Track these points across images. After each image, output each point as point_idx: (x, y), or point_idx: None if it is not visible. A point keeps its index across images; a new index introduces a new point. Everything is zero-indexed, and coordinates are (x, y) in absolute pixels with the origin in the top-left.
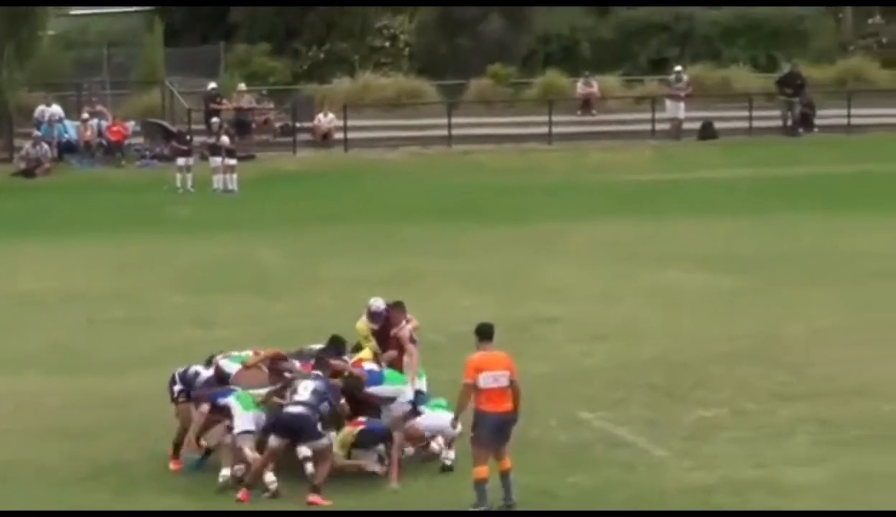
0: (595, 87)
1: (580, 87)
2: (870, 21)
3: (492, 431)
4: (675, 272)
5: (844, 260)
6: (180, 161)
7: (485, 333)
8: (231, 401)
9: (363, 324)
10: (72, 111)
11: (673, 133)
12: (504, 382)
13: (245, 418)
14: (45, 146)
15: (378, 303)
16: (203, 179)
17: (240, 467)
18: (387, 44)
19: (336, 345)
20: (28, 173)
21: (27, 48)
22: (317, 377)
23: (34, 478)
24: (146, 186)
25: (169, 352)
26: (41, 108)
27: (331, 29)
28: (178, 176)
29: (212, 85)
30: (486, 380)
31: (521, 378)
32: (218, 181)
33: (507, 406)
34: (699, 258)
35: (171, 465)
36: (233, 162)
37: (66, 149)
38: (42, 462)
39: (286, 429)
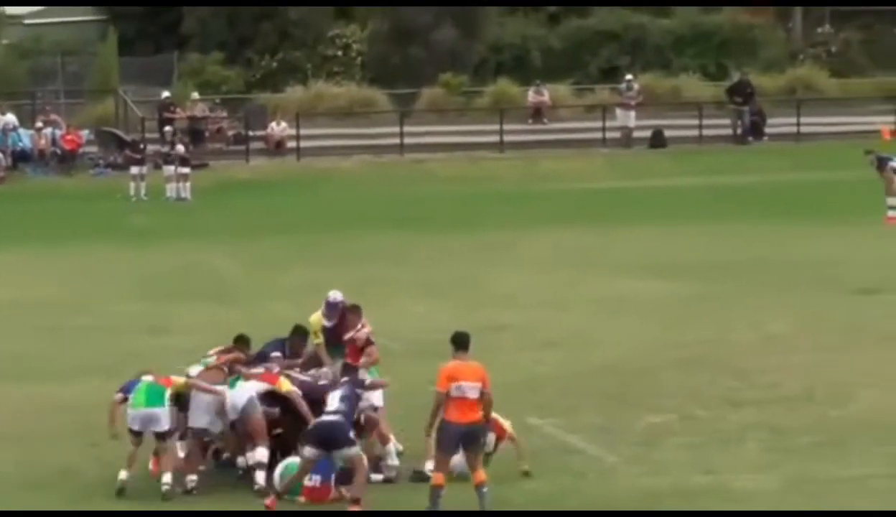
0: (546, 96)
1: (531, 96)
2: (819, 30)
3: (454, 440)
4: (626, 280)
5: (794, 267)
6: (134, 170)
7: (460, 343)
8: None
9: (317, 317)
10: (26, 120)
11: (623, 141)
12: (474, 394)
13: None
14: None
15: (336, 295)
16: (157, 188)
17: (192, 478)
18: (339, 53)
19: (300, 335)
20: None
21: None
22: (344, 384)
23: None
24: (100, 195)
25: (125, 360)
26: None
27: (283, 38)
28: (132, 184)
29: (165, 94)
30: (456, 389)
31: None
32: (171, 190)
33: (475, 416)
34: (650, 266)
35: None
36: (186, 170)
37: (21, 157)
38: None
39: (321, 438)
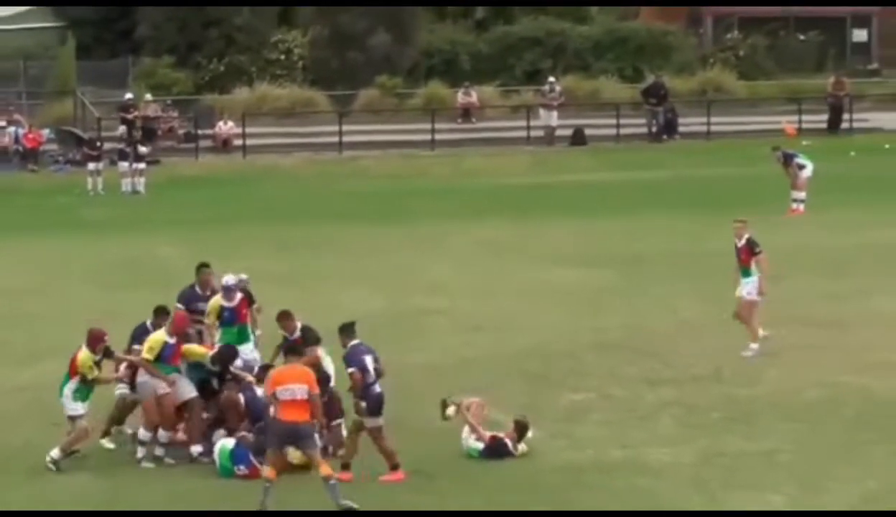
0: (474, 97)
1: (460, 97)
2: (728, 36)
3: (281, 438)
4: (548, 269)
5: (705, 256)
6: (91, 166)
7: (293, 350)
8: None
9: (216, 301)
10: None
11: (546, 140)
12: (302, 395)
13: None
14: None
15: (229, 279)
16: (112, 183)
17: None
18: (282, 57)
19: (162, 315)
20: None
21: None
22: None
23: None
24: (59, 189)
25: (79, 344)
26: None
27: (230, 43)
28: (90, 180)
29: (128, 95)
30: (283, 392)
31: (403, 368)
32: (126, 184)
33: (302, 416)
34: (571, 256)
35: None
36: (142, 166)
37: None
38: None
39: (382, 405)
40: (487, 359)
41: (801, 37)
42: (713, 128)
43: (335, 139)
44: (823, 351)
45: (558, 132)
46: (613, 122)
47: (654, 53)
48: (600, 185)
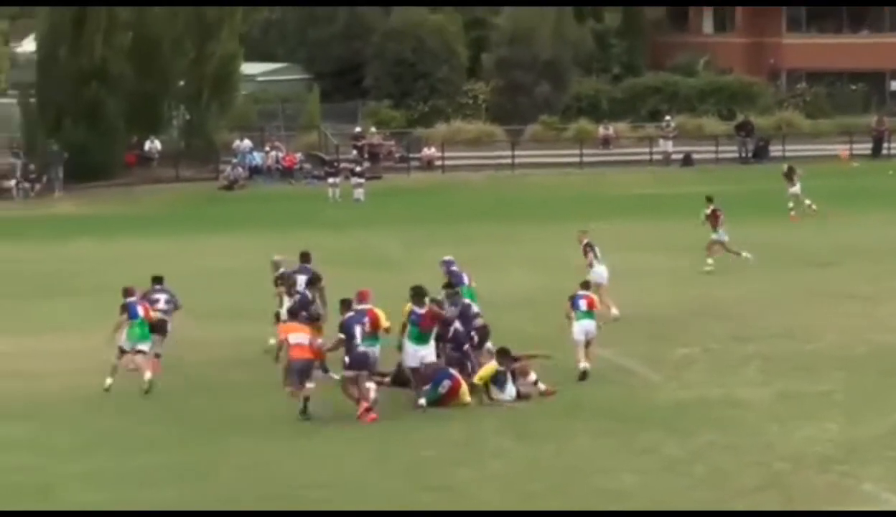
0: (611, 131)
1: (601, 131)
2: (798, 86)
3: (295, 372)
4: (662, 255)
5: (763, 250)
6: (331, 180)
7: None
8: None
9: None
10: (258, 145)
11: (664, 162)
12: (305, 341)
13: None
14: (240, 169)
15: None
16: (346, 193)
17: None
18: (470, 101)
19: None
20: (228, 188)
21: (227, 104)
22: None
23: None
24: (308, 197)
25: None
26: (237, 142)
27: (433, 91)
28: (330, 190)
29: (358, 129)
30: (293, 337)
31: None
32: (357, 194)
33: (306, 355)
34: (679, 245)
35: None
36: (362, 180)
37: (254, 171)
38: None
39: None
40: (620, 323)
41: (853, 87)
42: (787, 154)
43: (509, 161)
44: (867, 318)
45: (673, 156)
46: (713, 149)
47: (743, 99)
48: (703, 194)
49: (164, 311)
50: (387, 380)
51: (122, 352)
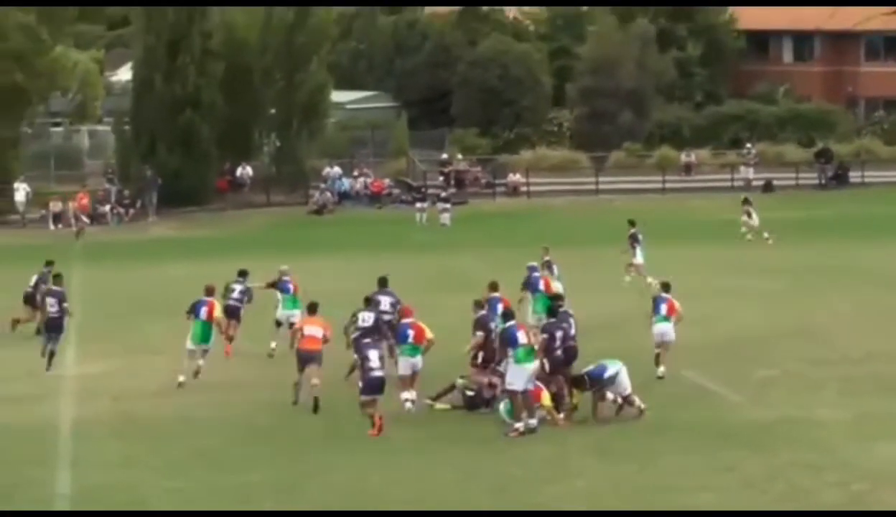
0: (693, 158)
1: (683, 157)
2: (875, 114)
3: (303, 360)
4: (745, 277)
5: (852, 269)
6: (418, 205)
7: (311, 308)
8: None
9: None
10: (347, 171)
11: (745, 188)
12: (318, 333)
13: None
14: (329, 194)
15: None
16: (432, 217)
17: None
18: (555, 128)
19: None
20: (318, 212)
21: (317, 131)
22: None
23: None
24: (396, 222)
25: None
26: (327, 169)
27: (518, 119)
28: (417, 215)
29: (444, 155)
30: (307, 329)
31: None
32: (444, 218)
33: (315, 347)
34: (767, 268)
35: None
36: (448, 206)
37: (343, 196)
38: None
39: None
40: (702, 345)
41: None
42: (866, 179)
43: (593, 187)
44: None
45: (754, 183)
46: (793, 175)
47: (823, 126)
48: (784, 219)
49: (237, 300)
50: (460, 405)
51: (191, 353)
